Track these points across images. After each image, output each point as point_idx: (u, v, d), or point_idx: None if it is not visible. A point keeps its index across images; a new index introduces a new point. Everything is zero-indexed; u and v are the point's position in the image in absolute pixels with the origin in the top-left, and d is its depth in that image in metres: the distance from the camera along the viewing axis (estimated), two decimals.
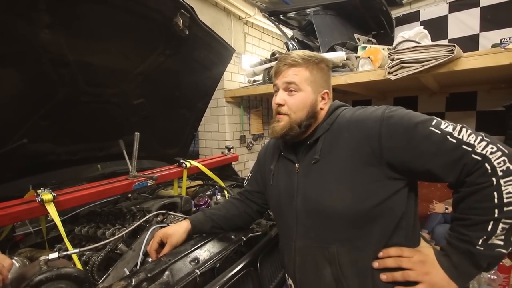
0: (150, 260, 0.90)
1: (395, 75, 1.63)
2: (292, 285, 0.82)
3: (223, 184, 1.61)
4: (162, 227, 1.01)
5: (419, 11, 2.88)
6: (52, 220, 0.93)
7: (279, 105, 0.79)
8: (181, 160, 1.48)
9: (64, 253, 0.82)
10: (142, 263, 0.88)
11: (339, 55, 2.25)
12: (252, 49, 3.24)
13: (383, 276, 0.67)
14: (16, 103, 1.01)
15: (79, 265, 0.85)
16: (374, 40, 2.87)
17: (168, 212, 1.14)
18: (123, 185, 1.16)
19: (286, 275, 0.87)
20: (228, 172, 1.89)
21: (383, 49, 2.07)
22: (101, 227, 1.12)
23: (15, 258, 0.88)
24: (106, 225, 1.15)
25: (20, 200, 0.91)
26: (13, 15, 0.84)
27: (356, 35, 2.79)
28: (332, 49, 2.56)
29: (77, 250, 0.85)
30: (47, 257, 0.78)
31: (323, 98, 0.82)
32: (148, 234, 0.96)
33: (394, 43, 1.87)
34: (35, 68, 0.98)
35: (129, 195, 1.37)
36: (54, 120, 1.16)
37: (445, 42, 2.56)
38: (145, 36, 1.21)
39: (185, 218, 1.01)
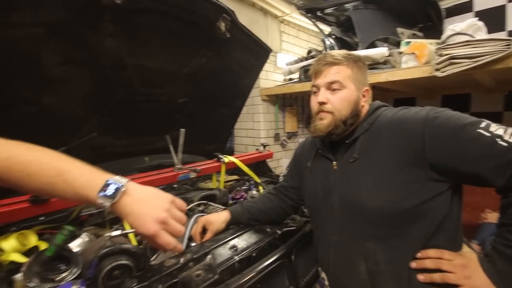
0: (193, 244, 0.99)
1: (443, 72, 1.53)
2: (325, 278, 0.85)
3: (258, 180, 1.67)
4: (203, 215, 1.10)
5: (472, 0, 2.63)
6: None
7: (322, 103, 0.80)
8: (220, 156, 1.57)
9: (124, 231, 0.95)
10: (186, 247, 0.98)
11: (380, 51, 2.16)
12: (288, 47, 3.25)
13: (421, 277, 0.66)
14: (85, 102, 1.18)
15: (134, 243, 0.97)
16: (420, 34, 2.68)
17: (209, 203, 1.23)
18: (169, 176, 1.29)
19: (320, 269, 0.90)
20: (262, 168, 1.95)
21: (430, 43, 1.93)
22: None
23: (83, 234, 1.04)
24: None
25: None
26: (83, 25, 0.98)
27: (399, 29, 2.63)
28: (372, 45, 2.46)
29: (134, 230, 0.97)
30: (111, 234, 0.91)
31: (364, 96, 0.83)
32: (192, 221, 1.05)
33: (443, 37, 1.74)
34: (100, 72, 1.13)
35: (174, 186, 1.50)
36: (113, 116, 1.32)
37: (502, 34, 2.30)
38: (190, 40, 1.31)
39: (224, 209, 1.09)
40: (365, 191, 0.72)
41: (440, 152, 0.64)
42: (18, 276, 0.80)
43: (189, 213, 1.16)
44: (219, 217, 0.99)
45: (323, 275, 0.86)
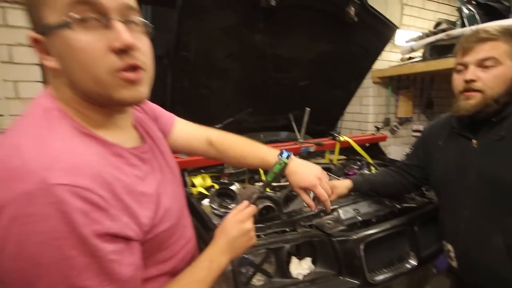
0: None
1: None
2: (451, 250, 0.88)
3: (371, 160, 1.71)
4: None
5: None
6: None
7: (471, 81, 0.78)
8: (335, 134, 1.70)
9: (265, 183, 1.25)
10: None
11: None
12: (410, 21, 2.91)
13: None
14: (236, 86, 1.54)
15: None
16: None
17: (328, 173, 1.40)
18: (294, 147, 1.53)
19: (444, 242, 0.93)
20: (374, 151, 1.96)
21: None
22: None
23: (236, 184, 1.41)
24: None
25: None
26: (244, 25, 1.28)
27: None
28: None
29: (274, 184, 1.27)
30: (258, 184, 1.23)
31: None
32: None
33: None
34: (248, 62, 1.45)
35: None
36: (251, 98, 1.65)
37: None
38: (318, 27, 1.45)
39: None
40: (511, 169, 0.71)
41: None
42: (205, 201, 1.21)
43: None
44: (342, 183, 1.14)
45: (449, 247, 0.89)
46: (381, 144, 3.04)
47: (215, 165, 1.42)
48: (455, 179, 0.87)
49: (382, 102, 2.96)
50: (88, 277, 0.36)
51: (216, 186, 1.28)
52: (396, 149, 3.05)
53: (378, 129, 1.94)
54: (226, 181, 1.35)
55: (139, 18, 0.44)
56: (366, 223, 1.05)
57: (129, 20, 0.42)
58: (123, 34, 0.40)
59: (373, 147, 1.98)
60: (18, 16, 1.36)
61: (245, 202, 0.67)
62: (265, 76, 1.57)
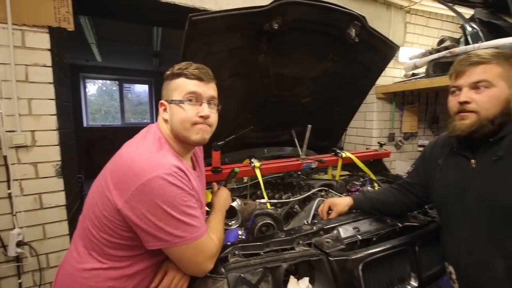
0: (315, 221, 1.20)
1: None
2: (453, 272, 0.87)
3: (373, 177, 1.71)
4: (324, 200, 1.29)
5: None
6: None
7: (465, 102, 0.80)
8: (338, 150, 1.71)
9: (268, 201, 1.26)
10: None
11: None
12: (413, 39, 2.96)
13: None
14: (239, 103, 1.58)
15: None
16: None
17: (329, 190, 1.41)
18: (295, 164, 1.54)
19: (446, 263, 0.92)
20: (377, 167, 1.95)
21: None
22: (275, 193, 1.56)
23: (237, 200, 1.43)
24: (280, 192, 1.57)
25: (241, 164, 1.45)
26: (248, 47, 1.33)
27: None
28: None
29: (274, 201, 1.28)
30: (260, 201, 1.24)
31: None
32: (316, 202, 1.26)
33: None
34: (252, 80, 1.50)
35: (299, 173, 1.75)
36: (254, 114, 1.69)
37: None
38: (320, 48, 1.50)
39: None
40: (510, 189, 0.71)
41: None
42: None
43: (312, 196, 1.38)
44: (343, 201, 1.15)
45: (451, 269, 0.88)
46: (387, 159, 3.04)
47: (218, 181, 1.44)
48: (454, 199, 0.87)
49: (386, 117, 2.96)
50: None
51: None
52: (401, 164, 3.02)
53: (381, 145, 1.94)
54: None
55: (215, 102, 0.90)
56: (367, 242, 1.04)
57: (210, 102, 0.86)
58: (206, 110, 0.83)
59: (377, 163, 1.97)
60: (35, 39, 1.45)
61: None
62: (268, 93, 1.62)
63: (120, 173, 0.73)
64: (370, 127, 2.99)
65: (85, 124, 5.93)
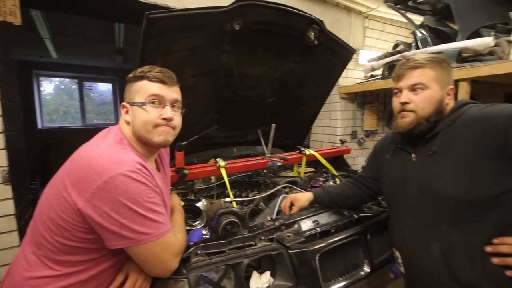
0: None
1: None
2: (399, 256, 0.96)
3: (335, 172, 1.80)
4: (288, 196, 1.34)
5: None
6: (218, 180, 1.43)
7: (405, 103, 0.89)
8: (302, 148, 1.78)
9: (233, 199, 1.28)
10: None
11: (483, 42, 1.94)
12: (371, 43, 3.16)
13: (495, 260, 0.72)
14: (204, 103, 1.57)
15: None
16: None
17: (293, 186, 1.46)
18: (261, 162, 1.58)
19: (394, 249, 1.01)
20: (339, 163, 2.06)
21: None
22: (243, 191, 1.58)
23: (203, 200, 1.42)
24: (247, 190, 1.60)
25: (206, 164, 1.45)
26: (211, 47, 1.34)
27: None
28: (476, 34, 2.19)
29: (239, 199, 1.30)
30: (224, 200, 1.25)
31: (448, 94, 0.89)
32: (280, 199, 1.30)
33: None
34: (216, 80, 1.50)
35: (264, 171, 1.79)
36: (220, 114, 1.69)
37: None
38: (282, 49, 1.55)
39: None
40: (441, 179, 0.81)
41: None
42: None
43: (277, 193, 1.42)
44: (304, 196, 1.21)
45: (397, 254, 0.97)
46: (350, 155, 3.22)
47: (186, 181, 1.43)
48: (399, 190, 0.96)
49: (349, 116, 3.14)
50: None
51: (182, 203, 1.28)
52: (363, 159, 3.22)
53: (342, 142, 2.06)
54: (192, 198, 1.36)
55: (179, 105, 0.90)
56: (326, 234, 1.11)
57: (173, 105, 0.87)
58: (168, 112, 0.84)
59: (339, 159, 2.09)
60: None
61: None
62: (234, 93, 1.63)
63: (79, 172, 0.70)
64: (334, 125, 3.15)
65: (39, 126, 5.44)
